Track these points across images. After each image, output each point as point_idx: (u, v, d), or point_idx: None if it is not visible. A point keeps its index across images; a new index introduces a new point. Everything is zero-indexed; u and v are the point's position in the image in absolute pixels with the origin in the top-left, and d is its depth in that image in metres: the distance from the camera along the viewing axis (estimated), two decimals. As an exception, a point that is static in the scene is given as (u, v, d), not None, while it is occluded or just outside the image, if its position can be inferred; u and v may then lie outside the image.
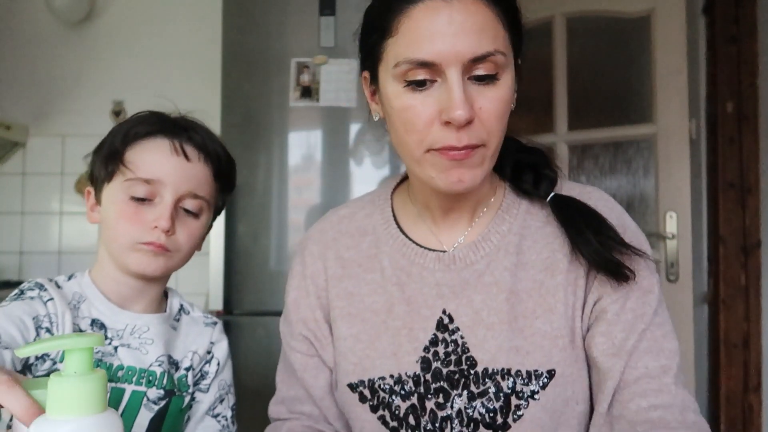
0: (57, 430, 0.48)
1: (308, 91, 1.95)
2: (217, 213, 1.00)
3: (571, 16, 2.42)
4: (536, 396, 0.77)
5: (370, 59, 0.79)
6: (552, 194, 0.83)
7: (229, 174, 0.99)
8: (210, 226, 0.98)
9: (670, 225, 2.23)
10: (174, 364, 0.94)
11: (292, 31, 1.98)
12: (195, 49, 2.47)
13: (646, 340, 0.77)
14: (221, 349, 1.00)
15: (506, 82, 0.73)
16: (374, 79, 0.79)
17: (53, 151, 2.54)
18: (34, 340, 0.78)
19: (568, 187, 0.86)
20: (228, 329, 1.03)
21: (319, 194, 1.97)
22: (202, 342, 0.98)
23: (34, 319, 0.81)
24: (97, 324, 0.89)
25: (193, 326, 0.99)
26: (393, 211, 0.90)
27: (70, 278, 0.93)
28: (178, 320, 0.99)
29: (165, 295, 1.00)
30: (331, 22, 1.96)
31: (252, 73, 1.97)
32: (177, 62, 2.51)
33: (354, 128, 1.96)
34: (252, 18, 1.99)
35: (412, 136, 0.74)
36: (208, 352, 0.99)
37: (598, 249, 0.77)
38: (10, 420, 0.69)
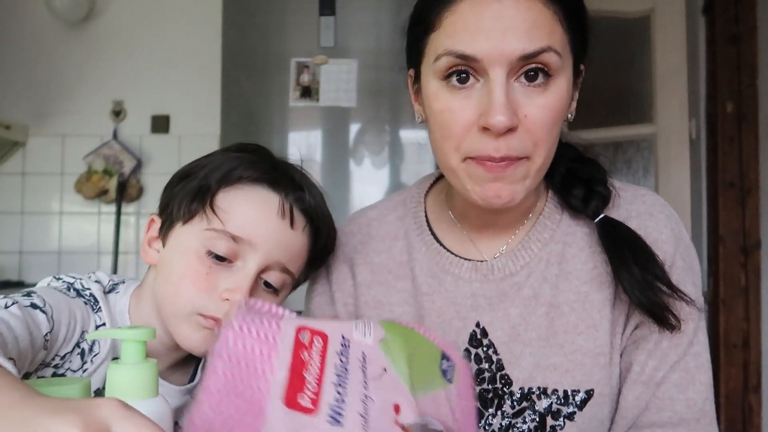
0: None
1: (308, 91, 1.94)
2: (293, 289, 0.81)
3: (571, 16, 2.41)
4: (574, 417, 0.73)
5: (413, 55, 0.73)
6: (602, 216, 0.75)
7: (327, 249, 0.81)
8: None
9: (670, 225, 2.23)
10: None
11: (292, 31, 1.98)
12: (195, 49, 2.47)
13: (679, 372, 0.74)
14: None
15: (559, 87, 0.66)
16: (417, 78, 0.74)
17: (53, 151, 2.53)
18: (77, 343, 0.69)
19: (618, 188, 0.79)
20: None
21: (319, 194, 1.97)
22: None
23: (83, 332, 0.70)
24: None
25: None
26: (426, 214, 0.83)
27: (113, 288, 0.78)
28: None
29: None
30: (331, 22, 1.96)
31: (252, 73, 1.97)
32: (177, 62, 2.50)
33: (354, 128, 1.95)
34: (252, 18, 1.99)
35: (448, 142, 0.68)
36: None
37: (644, 288, 0.70)
38: None
